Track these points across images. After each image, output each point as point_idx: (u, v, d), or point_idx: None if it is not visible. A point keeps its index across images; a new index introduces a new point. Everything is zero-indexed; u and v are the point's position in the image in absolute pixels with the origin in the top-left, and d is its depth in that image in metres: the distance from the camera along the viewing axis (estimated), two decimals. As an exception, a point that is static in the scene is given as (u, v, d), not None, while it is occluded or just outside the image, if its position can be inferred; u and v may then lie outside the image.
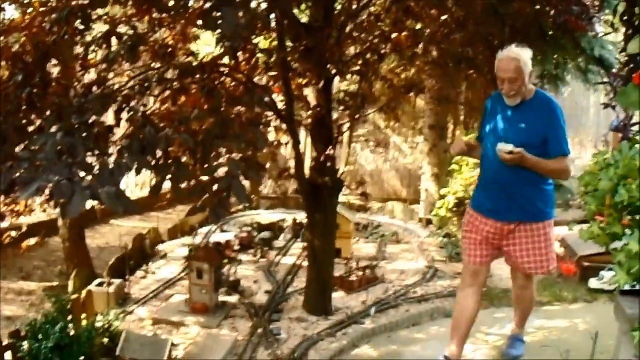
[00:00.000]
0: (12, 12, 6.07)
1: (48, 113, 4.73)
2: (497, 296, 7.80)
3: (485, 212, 4.73)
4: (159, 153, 4.25)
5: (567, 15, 6.96)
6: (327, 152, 6.48)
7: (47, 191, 3.55)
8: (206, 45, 8.19)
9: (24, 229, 8.88)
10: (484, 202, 4.78)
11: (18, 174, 3.58)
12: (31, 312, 7.96)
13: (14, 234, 8.50)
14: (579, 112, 15.37)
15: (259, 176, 4.81)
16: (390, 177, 15.34)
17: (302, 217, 9.98)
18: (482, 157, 4.83)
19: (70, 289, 7.73)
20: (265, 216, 11.90)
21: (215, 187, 4.17)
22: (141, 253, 9.16)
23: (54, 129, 3.97)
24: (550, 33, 7.47)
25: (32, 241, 8.27)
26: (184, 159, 4.50)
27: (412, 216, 13.01)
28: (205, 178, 4.56)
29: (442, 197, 11.34)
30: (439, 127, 12.50)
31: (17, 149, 4.30)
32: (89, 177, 3.60)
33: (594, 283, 7.87)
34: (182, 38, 6.23)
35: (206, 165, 4.32)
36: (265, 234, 9.61)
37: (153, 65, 5.76)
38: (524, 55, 4.44)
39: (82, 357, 4.97)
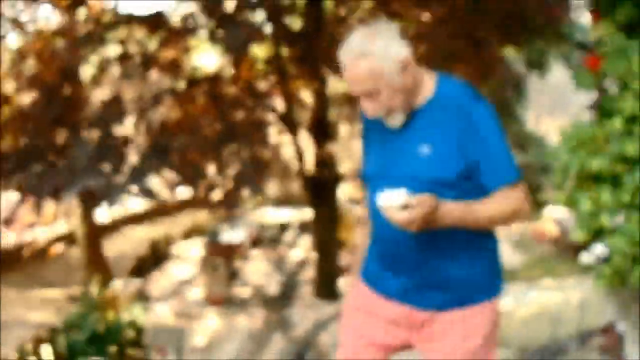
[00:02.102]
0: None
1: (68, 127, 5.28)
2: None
3: (383, 289, 2.62)
4: (176, 157, 4.76)
5: (546, 6, 7.39)
6: (326, 149, 6.95)
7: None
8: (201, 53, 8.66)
9: (45, 241, 9.39)
10: (379, 273, 2.67)
11: (58, 179, 4.10)
12: (57, 317, 8.44)
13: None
14: (566, 96, 15.81)
15: (263, 173, 5.30)
16: None
17: (306, 213, 10.44)
18: (370, 207, 2.63)
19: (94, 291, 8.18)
20: (271, 214, 12.38)
21: (226, 182, 4.67)
22: (156, 256, 9.64)
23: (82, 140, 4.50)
24: (532, 23, 7.76)
25: (60, 247, 8.71)
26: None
27: None
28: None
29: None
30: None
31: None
32: (121, 178, 4.12)
33: (585, 258, 8.34)
34: (184, 52, 6.70)
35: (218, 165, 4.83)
36: (273, 231, 10.08)
37: (161, 78, 6.27)
38: (380, 44, 2.38)
39: (114, 348, 5.42)
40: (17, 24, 6.40)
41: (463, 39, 7.85)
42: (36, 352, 5.19)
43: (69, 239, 10.34)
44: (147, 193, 4.20)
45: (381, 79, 2.37)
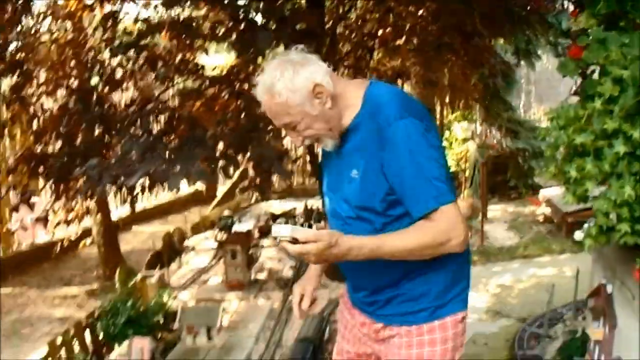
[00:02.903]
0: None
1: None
2: (493, 253, 8.72)
3: (351, 300, 2.91)
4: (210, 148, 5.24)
5: (531, -1, 7.78)
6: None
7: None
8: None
9: (64, 241, 9.76)
10: (347, 285, 2.95)
11: (116, 171, 4.62)
12: (78, 312, 8.81)
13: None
14: (554, 85, 16.17)
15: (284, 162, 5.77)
16: None
17: (311, 203, 10.86)
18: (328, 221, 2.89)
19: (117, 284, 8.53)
20: (277, 206, 12.69)
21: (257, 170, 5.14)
22: (171, 249, 9.97)
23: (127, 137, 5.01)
24: (518, 14, 7.95)
25: (88, 241, 9.08)
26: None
27: None
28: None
29: (437, 171, 12.26)
30: (427, 109, 13.36)
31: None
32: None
33: (578, 235, 8.72)
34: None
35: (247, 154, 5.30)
36: (281, 221, 10.44)
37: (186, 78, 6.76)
38: (286, 77, 2.41)
39: (148, 330, 5.78)
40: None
41: (454, 31, 8.09)
42: (79, 336, 5.56)
43: (83, 237, 10.64)
44: (201, 177, 4.65)
45: (293, 111, 2.44)
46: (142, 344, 5.00)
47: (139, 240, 12.67)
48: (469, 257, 2.74)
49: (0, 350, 7.48)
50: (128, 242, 12.14)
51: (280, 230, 2.31)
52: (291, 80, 2.40)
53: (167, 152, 4.95)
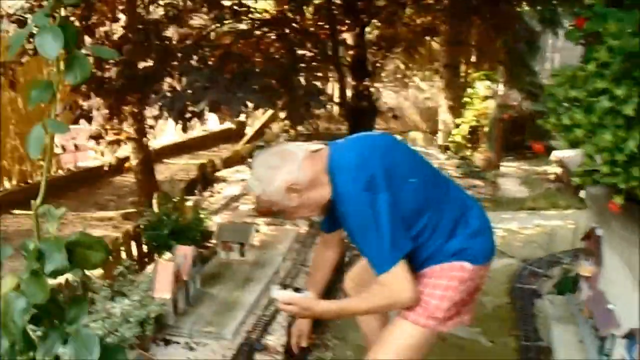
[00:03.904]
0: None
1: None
2: (504, 202, 9.35)
3: None
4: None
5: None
6: (364, 83, 8.02)
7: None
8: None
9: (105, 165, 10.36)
10: None
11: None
12: (114, 232, 9.33)
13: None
14: (577, 52, 16.45)
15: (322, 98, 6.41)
16: (411, 112, 16.54)
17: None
18: None
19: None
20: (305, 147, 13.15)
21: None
22: (204, 178, 10.58)
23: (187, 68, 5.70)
24: None
25: (135, 161, 9.64)
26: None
27: (431, 143, 14.23)
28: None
29: (457, 126, 12.82)
30: (453, 66, 13.74)
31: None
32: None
33: (583, 194, 9.26)
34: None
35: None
36: (311, 149, 10.98)
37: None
38: (266, 178, 2.98)
39: (189, 243, 6.12)
40: None
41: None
42: (126, 245, 5.99)
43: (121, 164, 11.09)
44: (260, 103, 5.25)
45: (277, 205, 3.03)
46: (185, 251, 5.39)
47: (170, 171, 13.21)
48: (475, 229, 3.20)
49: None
50: (160, 172, 12.38)
51: (276, 293, 3.09)
52: (269, 184, 2.97)
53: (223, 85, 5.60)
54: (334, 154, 3.05)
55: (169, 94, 5.80)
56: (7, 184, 11.32)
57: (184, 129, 6.52)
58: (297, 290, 3.11)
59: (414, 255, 2.98)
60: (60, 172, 12.27)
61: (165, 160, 14.12)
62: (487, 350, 5.01)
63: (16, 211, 10.21)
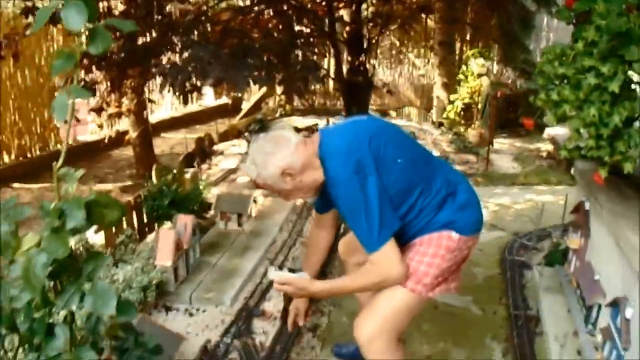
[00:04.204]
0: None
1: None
2: (496, 178, 9.52)
3: None
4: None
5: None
6: (360, 59, 8.14)
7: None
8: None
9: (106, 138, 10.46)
10: None
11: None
12: None
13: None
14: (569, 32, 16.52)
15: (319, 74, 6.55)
16: (405, 89, 16.55)
17: (332, 119, 11.51)
18: None
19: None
20: (300, 121, 13.30)
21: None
22: (202, 151, 10.69)
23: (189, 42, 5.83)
24: None
25: (134, 134, 9.76)
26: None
27: (425, 118, 14.45)
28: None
29: (451, 102, 12.97)
30: (448, 43, 13.81)
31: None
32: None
33: (574, 170, 9.42)
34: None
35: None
36: (305, 133, 11.15)
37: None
38: (261, 162, 3.08)
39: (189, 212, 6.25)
40: None
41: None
42: (127, 215, 6.10)
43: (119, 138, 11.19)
44: (262, 81, 5.38)
45: (272, 187, 3.12)
46: (186, 220, 5.55)
47: (167, 145, 13.33)
48: (462, 202, 3.27)
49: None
50: (157, 146, 12.49)
51: (272, 274, 3.17)
52: (264, 169, 3.05)
53: (224, 60, 5.73)
54: (325, 139, 3.14)
55: (169, 68, 5.91)
56: (6, 158, 11.39)
57: (185, 102, 6.63)
58: (292, 271, 3.22)
59: (404, 231, 3.13)
60: (59, 145, 12.24)
61: (162, 135, 14.21)
62: (478, 318, 5.14)
63: (16, 184, 10.31)
